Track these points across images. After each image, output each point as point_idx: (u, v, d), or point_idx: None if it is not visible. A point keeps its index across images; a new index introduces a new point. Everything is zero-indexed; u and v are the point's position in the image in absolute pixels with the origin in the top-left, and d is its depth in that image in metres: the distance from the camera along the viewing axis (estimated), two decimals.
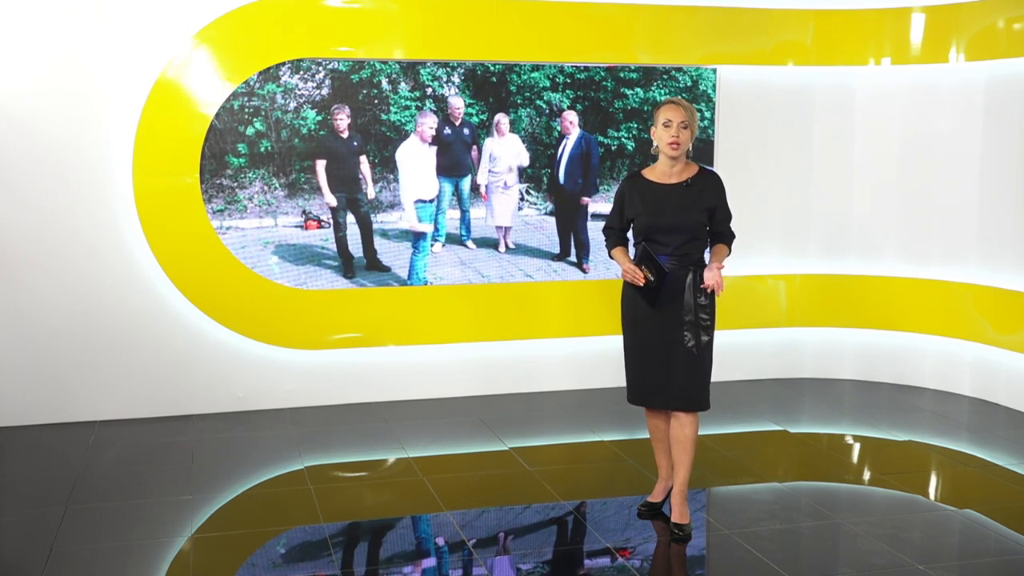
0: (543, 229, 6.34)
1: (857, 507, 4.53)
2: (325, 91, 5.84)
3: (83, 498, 4.52)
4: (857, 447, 5.46)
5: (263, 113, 5.76)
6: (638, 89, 6.30)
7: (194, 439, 5.41)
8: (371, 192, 5.98)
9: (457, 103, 6.05)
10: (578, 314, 6.39)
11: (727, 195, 4.11)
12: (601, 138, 6.29)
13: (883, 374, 6.70)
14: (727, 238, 4.09)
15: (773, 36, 6.45)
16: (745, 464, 5.04)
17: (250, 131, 5.76)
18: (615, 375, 6.10)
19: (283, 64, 5.74)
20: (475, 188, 6.18)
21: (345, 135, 5.90)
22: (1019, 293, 5.95)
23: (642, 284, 3.96)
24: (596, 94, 6.27)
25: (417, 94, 5.98)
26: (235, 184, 5.78)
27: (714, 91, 6.43)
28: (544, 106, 6.20)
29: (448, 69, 6.00)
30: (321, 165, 5.88)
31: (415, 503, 4.50)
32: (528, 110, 6.18)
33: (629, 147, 6.34)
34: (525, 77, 6.14)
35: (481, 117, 6.12)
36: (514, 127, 6.17)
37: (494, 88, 6.12)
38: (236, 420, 5.79)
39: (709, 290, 3.96)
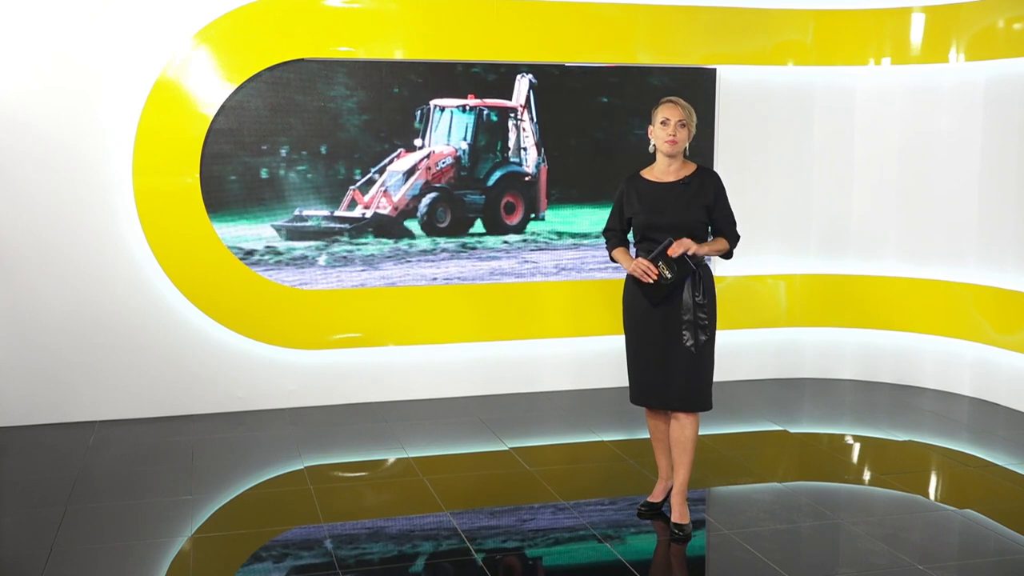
0: None
1: (857, 507, 4.53)
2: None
3: (83, 498, 4.52)
4: (857, 447, 5.46)
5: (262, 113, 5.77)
6: None
7: (194, 439, 5.41)
8: None
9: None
10: (578, 314, 6.39)
11: (728, 195, 4.11)
12: None
13: (883, 374, 6.70)
14: (729, 237, 4.09)
15: (773, 36, 6.45)
16: (745, 464, 5.04)
17: (250, 130, 5.76)
18: (615, 375, 6.13)
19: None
20: None
21: None
22: (1019, 293, 5.95)
23: (652, 280, 3.94)
24: None
25: None
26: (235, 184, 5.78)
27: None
28: None
29: None
30: None
31: (415, 503, 4.50)
32: None
33: None
34: None
35: None
36: None
37: None
38: (236, 420, 5.79)
39: (677, 251, 3.90)
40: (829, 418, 5.99)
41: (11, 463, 5.11)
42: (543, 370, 6.44)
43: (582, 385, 6.48)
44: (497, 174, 5.91)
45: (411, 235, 5.97)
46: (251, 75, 5.69)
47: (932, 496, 4.72)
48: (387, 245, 5.74)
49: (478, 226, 6.13)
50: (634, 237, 4.14)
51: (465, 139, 5.87)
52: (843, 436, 5.64)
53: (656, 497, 4.33)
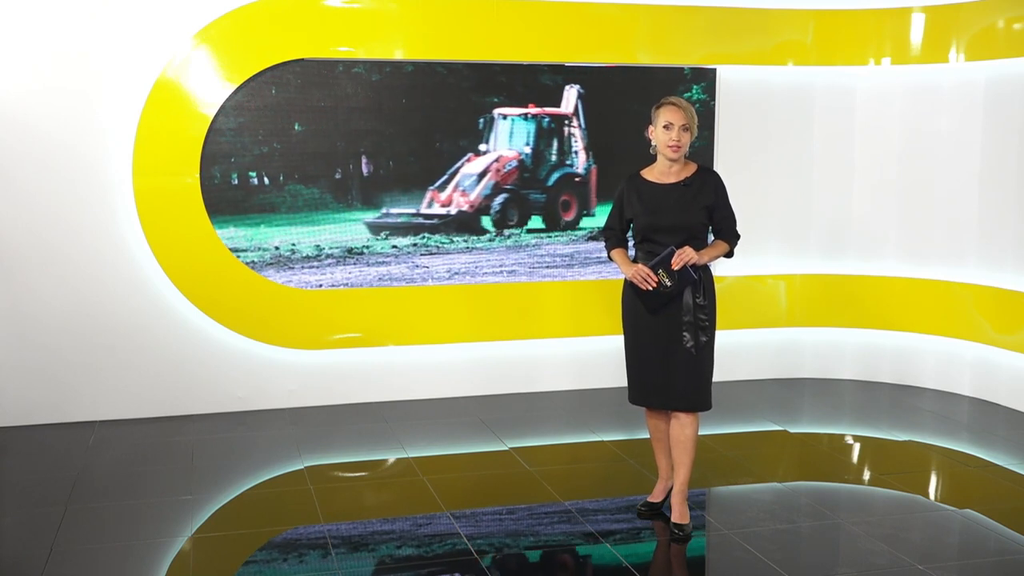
0: None
1: (857, 507, 4.53)
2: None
3: (83, 498, 4.52)
4: (857, 447, 5.46)
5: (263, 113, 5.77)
6: None
7: (194, 439, 5.41)
8: None
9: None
10: (578, 314, 6.39)
11: (728, 195, 4.10)
12: None
13: (883, 374, 6.70)
14: (729, 237, 4.09)
15: (773, 36, 6.45)
16: (745, 464, 5.05)
17: (251, 131, 5.76)
18: (615, 375, 6.13)
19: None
20: None
21: None
22: (1019, 293, 5.95)
23: (652, 288, 3.93)
24: None
25: None
26: (235, 184, 5.78)
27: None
28: None
29: None
30: None
31: (415, 503, 4.50)
32: None
33: None
34: None
35: None
36: None
37: None
38: (236, 420, 5.79)
39: (679, 264, 3.89)
40: (829, 418, 5.99)
41: (11, 463, 5.11)
42: (543, 370, 6.44)
43: (582, 385, 6.48)
44: (555, 175, 6.38)
45: (484, 231, 6.26)
46: (251, 75, 5.69)
47: (932, 496, 4.72)
48: (268, 252, 5.87)
49: (536, 222, 6.38)
50: (635, 238, 4.13)
51: (528, 144, 6.30)
52: (843, 436, 5.64)
53: (656, 497, 4.33)
